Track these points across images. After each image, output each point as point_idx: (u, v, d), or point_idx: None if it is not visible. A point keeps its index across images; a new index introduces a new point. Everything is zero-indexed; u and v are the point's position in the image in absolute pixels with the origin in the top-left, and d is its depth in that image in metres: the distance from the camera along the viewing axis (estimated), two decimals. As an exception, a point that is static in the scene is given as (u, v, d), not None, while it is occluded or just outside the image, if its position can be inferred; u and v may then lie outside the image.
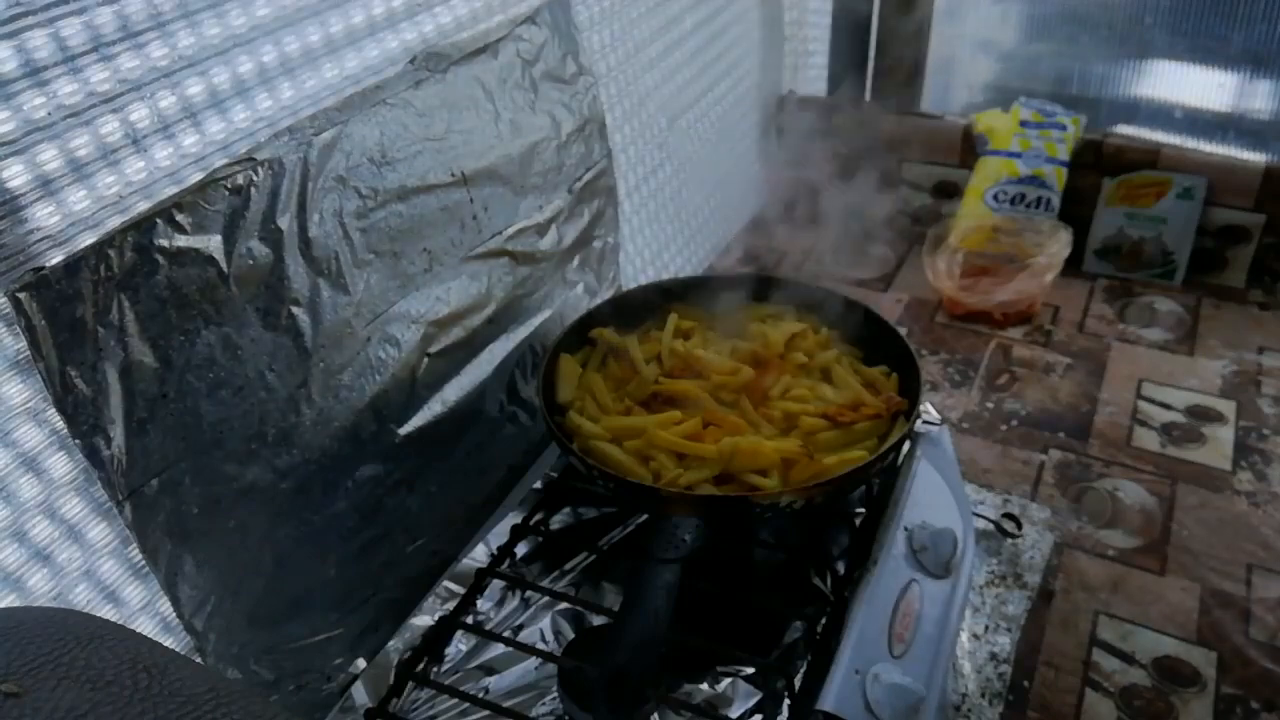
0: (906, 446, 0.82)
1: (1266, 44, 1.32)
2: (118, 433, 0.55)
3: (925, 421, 0.85)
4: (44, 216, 0.55)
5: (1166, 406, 1.18)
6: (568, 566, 0.81)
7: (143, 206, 0.57)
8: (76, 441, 0.54)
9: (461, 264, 0.81)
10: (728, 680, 0.69)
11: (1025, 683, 0.86)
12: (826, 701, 0.61)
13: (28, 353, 0.52)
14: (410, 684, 0.70)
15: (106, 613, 0.63)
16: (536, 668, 0.73)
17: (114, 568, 0.63)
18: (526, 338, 0.92)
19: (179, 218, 0.56)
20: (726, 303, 0.95)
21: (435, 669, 0.72)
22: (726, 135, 1.49)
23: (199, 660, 0.63)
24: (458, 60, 0.77)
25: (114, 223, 0.56)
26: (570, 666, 0.68)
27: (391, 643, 0.73)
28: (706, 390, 0.80)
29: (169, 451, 0.58)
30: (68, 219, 0.56)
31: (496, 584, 0.78)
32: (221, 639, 0.65)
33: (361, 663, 0.77)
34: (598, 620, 0.75)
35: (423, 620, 0.75)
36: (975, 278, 1.35)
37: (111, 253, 0.53)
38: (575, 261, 0.98)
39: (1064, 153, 1.39)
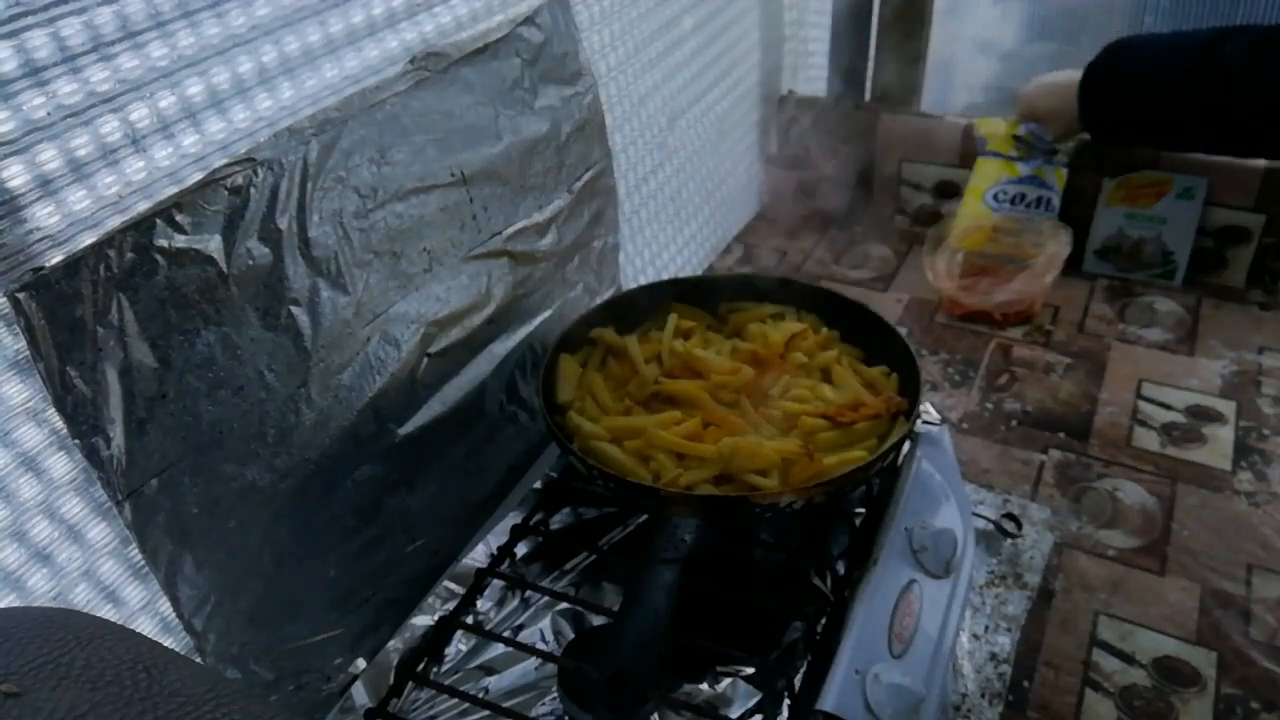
0: (906, 446, 0.82)
1: (1266, 44, 1.32)
2: (117, 433, 0.55)
3: (925, 421, 0.85)
4: (44, 216, 0.55)
5: (1166, 406, 1.18)
6: (568, 566, 0.81)
7: (142, 206, 0.57)
8: (76, 441, 0.54)
9: (461, 264, 0.81)
10: (728, 680, 0.69)
11: (1025, 683, 0.86)
12: (826, 701, 0.61)
13: (27, 353, 0.52)
14: (410, 684, 0.70)
15: (106, 613, 0.63)
16: (536, 668, 0.73)
17: (114, 568, 0.63)
18: (526, 338, 0.92)
19: (178, 218, 0.56)
20: (726, 303, 0.95)
21: (435, 669, 0.72)
22: (726, 135, 1.49)
23: (199, 660, 0.63)
24: (457, 60, 0.77)
25: (114, 223, 0.56)
26: (570, 666, 0.68)
27: (391, 643, 0.73)
28: (706, 390, 0.80)
29: (168, 451, 0.58)
30: (67, 219, 0.56)
31: (496, 584, 0.78)
32: (221, 639, 0.65)
33: (361, 663, 0.77)
34: (598, 620, 0.75)
35: (423, 620, 0.75)
36: (975, 278, 1.34)
37: (111, 253, 0.53)
38: (575, 261, 0.98)
39: (1063, 154, 1.39)
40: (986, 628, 0.91)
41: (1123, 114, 1.10)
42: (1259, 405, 1.17)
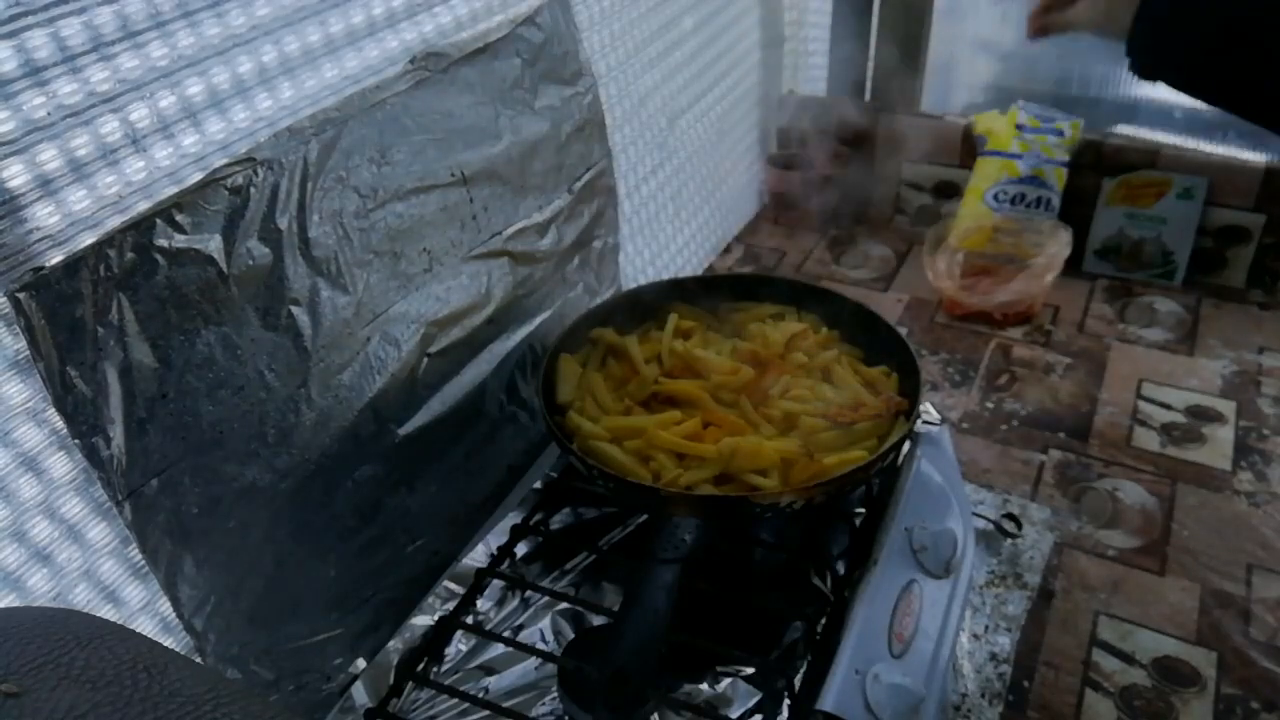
0: (906, 446, 0.82)
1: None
2: (117, 433, 0.55)
3: (925, 421, 0.85)
4: (44, 216, 0.55)
5: (1166, 406, 1.18)
6: (568, 566, 0.81)
7: (143, 206, 0.57)
8: (76, 441, 0.54)
9: (461, 264, 0.81)
10: (728, 680, 0.69)
11: (1025, 683, 0.86)
12: (826, 701, 0.61)
13: (27, 353, 0.52)
14: (410, 684, 0.70)
15: (106, 613, 0.63)
16: (536, 668, 0.73)
17: (114, 568, 0.63)
18: (526, 338, 0.92)
19: (179, 218, 0.56)
20: (726, 303, 0.95)
21: (435, 669, 0.72)
22: (726, 135, 1.49)
23: (199, 660, 0.63)
24: (458, 60, 0.77)
25: (114, 223, 0.56)
26: (570, 666, 0.68)
27: (391, 643, 0.73)
28: (706, 390, 0.80)
29: (169, 451, 0.58)
30: (68, 219, 0.56)
31: (496, 584, 0.78)
32: (221, 639, 0.65)
33: (361, 663, 0.77)
34: (598, 620, 0.75)
35: (423, 620, 0.75)
36: (975, 278, 1.35)
37: (111, 253, 0.53)
38: (575, 261, 0.98)
39: (1063, 154, 1.39)
40: (986, 628, 0.91)
41: (1172, 46, 0.87)
42: (1259, 405, 1.17)
